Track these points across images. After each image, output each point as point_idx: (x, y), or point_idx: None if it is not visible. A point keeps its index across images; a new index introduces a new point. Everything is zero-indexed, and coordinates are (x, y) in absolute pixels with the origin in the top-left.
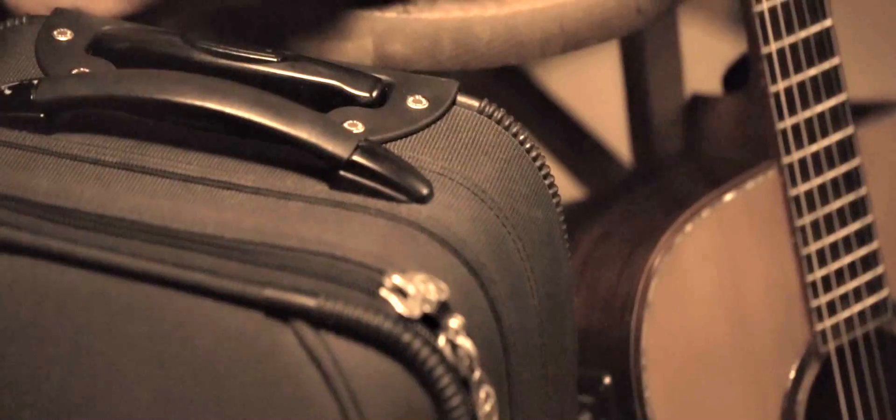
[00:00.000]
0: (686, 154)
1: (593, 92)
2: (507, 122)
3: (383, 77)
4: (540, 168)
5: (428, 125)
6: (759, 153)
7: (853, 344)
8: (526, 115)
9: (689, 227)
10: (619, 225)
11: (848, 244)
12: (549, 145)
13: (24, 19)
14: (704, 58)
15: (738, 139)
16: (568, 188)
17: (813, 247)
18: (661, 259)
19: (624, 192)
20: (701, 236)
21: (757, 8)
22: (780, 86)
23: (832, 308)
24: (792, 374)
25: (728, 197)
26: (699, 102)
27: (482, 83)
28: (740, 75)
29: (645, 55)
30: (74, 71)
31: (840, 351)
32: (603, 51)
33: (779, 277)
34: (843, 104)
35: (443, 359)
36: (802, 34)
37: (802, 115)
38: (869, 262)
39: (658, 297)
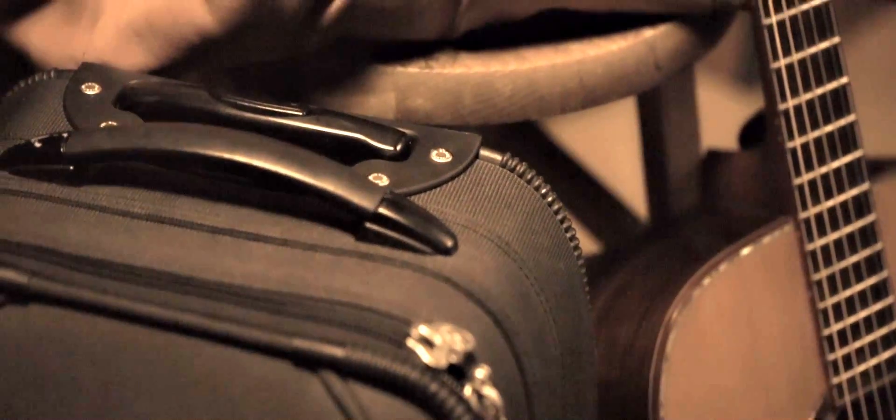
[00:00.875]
0: (702, 209)
1: (610, 147)
2: (529, 176)
3: (407, 131)
4: (561, 221)
5: (452, 178)
6: (775, 208)
7: (869, 397)
8: (543, 169)
9: (706, 281)
10: (637, 279)
11: (864, 298)
12: (565, 200)
13: (51, 73)
14: (720, 114)
15: (755, 194)
16: (584, 242)
17: (829, 301)
18: (679, 312)
19: (640, 246)
20: (718, 290)
21: (774, 65)
22: (797, 142)
23: (848, 362)
24: None
25: (745, 251)
26: (715, 158)
27: (499, 137)
28: (756, 131)
29: (662, 111)
30: (103, 124)
31: (856, 404)
32: (619, 106)
33: (795, 331)
34: (858, 160)
35: (469, 408)
36: (819, 91)
37: (819, 171)
38: (885, 316)
39: (676, 350)
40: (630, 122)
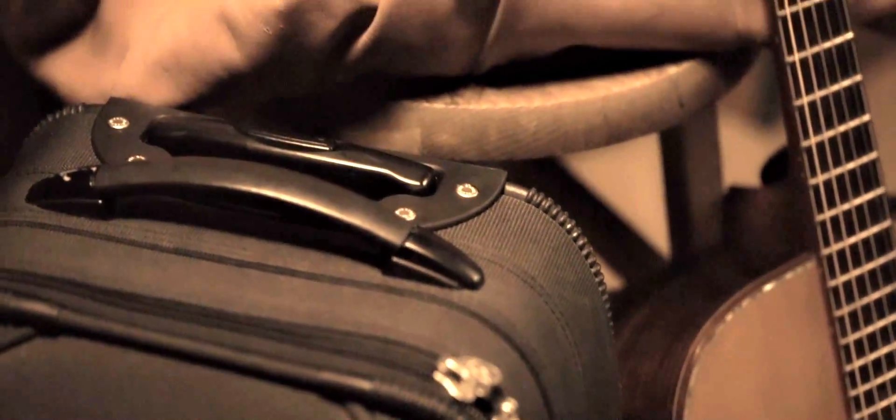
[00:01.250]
0: (724, 245)
1: (632, 182)
2: (554, 212)
3: (433, 166)
4: (586, 256)
5: (478, 213)
6: (797, 245)
7: None
8: (565, 204)
9: (729, 317)
10: (660, 315)
11: (886, 335)
12: (587, 235)
13: (79, 108)
14: (742, 150)
15: (777, 231)
16: (606, 278)
17: (851, 337)
18: (703, 348)
19: (663, 282)
20: (741, 325)
21: (797, 102)
22: (820, 179)
23: (870, 398)
24: None
25: (768, 287)
26: (737, 194)
27: (522, 172)
28: (779, 168)
29: (684, 147)
30: (131, 158)
31: None
32: (642, 141)
33: (818, 367)
34: (880, 197)
35: None
36: (841, 128)
37: (841, 208)
38: None
39: (699, 386)
40: (652, 158)
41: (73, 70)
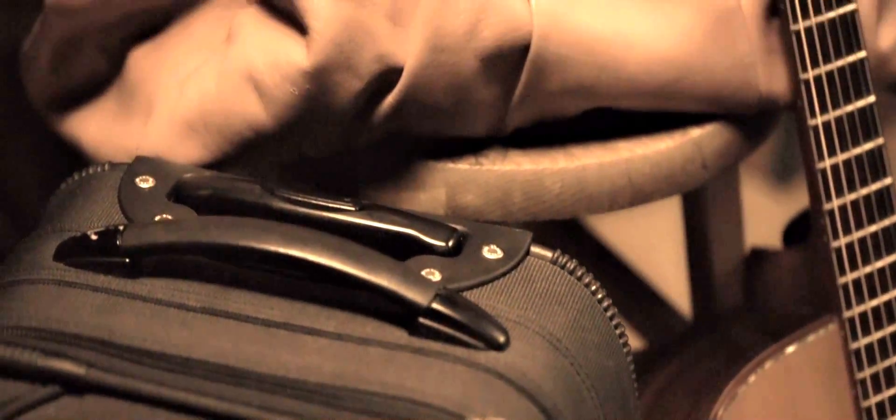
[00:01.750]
0: (747, 307)
1: (654, 243)
2: (579, 273)
3: (458, 227)
4: (611, 318)
5: (503, 274)
6: (819, 307)
7: None
8: (586, 264)
9: (752, 379)
10: (682, 376)
11: None
12: (609, 295)
13: (106, 166)
14: (763, 210)
15: (799, 293)
16: (628, 339)
17: (873, 400)
18: (725, 409)
19: (685, 343)
20: (764, 387)
21: (819, 165)
22: (842, 241)
23: None
24: None
25: (790, 349)
26: (759, 256)
27: (543, 232)
28: (801, 230)
29: (706, 208)
30: (157, 217)
31: None
32: (664, 202)
33: None
34: None
35: None
36: (863, 191)
37: (863, 270)
38: None
39: None
40: (674, 219)
41: (98, 128)
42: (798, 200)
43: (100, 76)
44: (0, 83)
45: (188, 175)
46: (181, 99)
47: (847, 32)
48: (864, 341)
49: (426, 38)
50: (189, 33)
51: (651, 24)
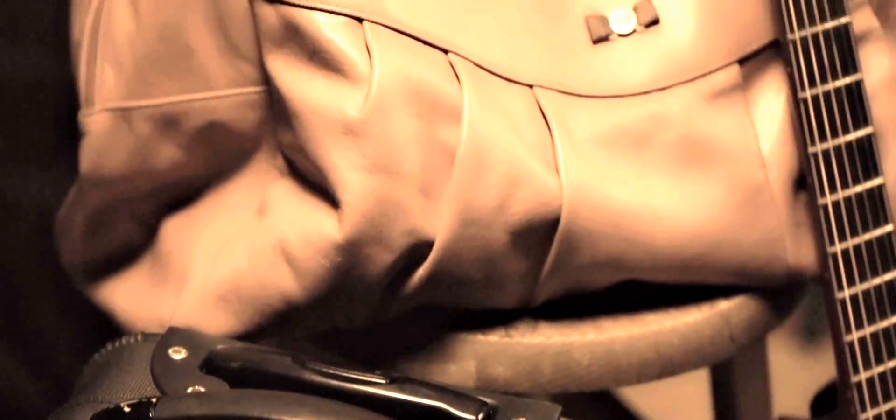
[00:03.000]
0: None
1: (682, 412)
2: None
3: (488, 400)
4: None
5: None
6: None
7: None
8: None
9: None
10: None
11: None
12: None
13: (139, 336)
14: (791, 377)
15: None
16: None
17: None
18: None
19: None
20: None
21: (847, 338)
22: (870, 414)
23: None
24: None
25: None
26: None
27: (571, 401)
28: (829, 401)
29: (734, 378)
30: (189, 389)
31: None
32: (692, 373)
33: None
34: None
35: None
36: (892, 364)
37: None
38: None
39: None
40: (702, 388)
41: (131, 297)
42: (826, 363)
43: (133, 245)
44: (33, 245)
45: (220, 347)
46: (214, 270)
47: (874, 206)
48: None
49: (457, 213)
50: (222, 205)
51: (679, 199)
